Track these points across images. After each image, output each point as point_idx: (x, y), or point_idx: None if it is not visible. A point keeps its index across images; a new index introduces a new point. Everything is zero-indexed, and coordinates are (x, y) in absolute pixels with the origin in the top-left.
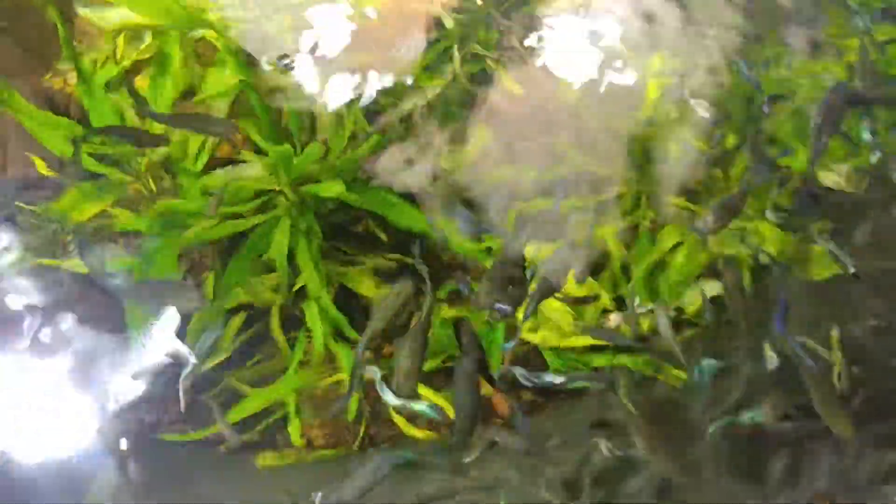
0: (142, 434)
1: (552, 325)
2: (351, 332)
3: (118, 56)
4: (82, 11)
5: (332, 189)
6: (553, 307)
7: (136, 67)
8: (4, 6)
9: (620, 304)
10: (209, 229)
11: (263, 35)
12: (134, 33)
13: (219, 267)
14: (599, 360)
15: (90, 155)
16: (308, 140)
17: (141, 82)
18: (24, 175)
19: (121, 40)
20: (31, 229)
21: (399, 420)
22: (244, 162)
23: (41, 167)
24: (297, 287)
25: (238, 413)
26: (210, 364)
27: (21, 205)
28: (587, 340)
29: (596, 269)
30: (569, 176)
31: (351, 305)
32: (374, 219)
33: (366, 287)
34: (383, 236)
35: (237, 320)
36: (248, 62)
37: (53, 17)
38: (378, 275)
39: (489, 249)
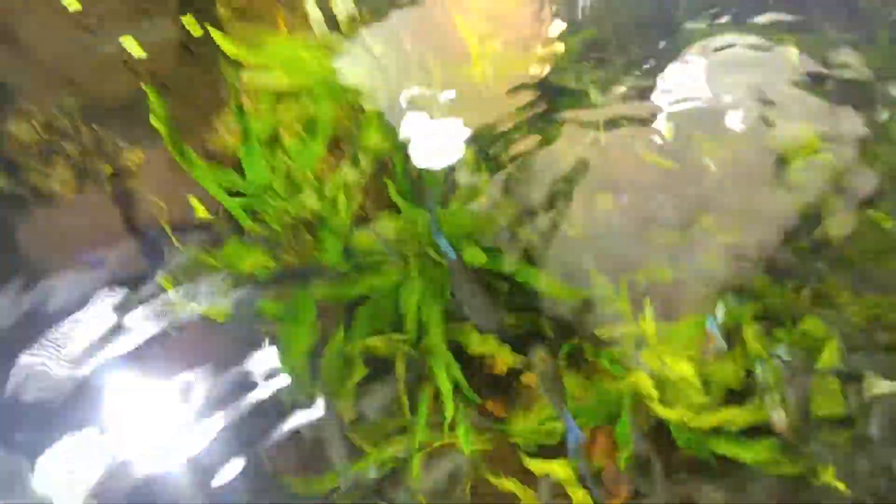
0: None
1: (686, 402)
2: (470, 394)
3: (272, 115)
4: (244, 74)
5: (477, 258)
6: (682, 377)
7: (288, 125)
8: (166, 67)
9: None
10: (347, 286)
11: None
12: (288, 94)
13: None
14: (727, 447)
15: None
16: (444, 200)
17: (290, 140)
18: (182, 218)
19: (273, 100)
20: (184, 271)
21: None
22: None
23: (200, 211)
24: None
25: (356, 467)
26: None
27: (180, 246)
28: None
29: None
30: (699, 245)
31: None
32: (496, 277)
33: (475, 343)
34: (504, 295)
35: (358, 372)
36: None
37: (230, 77)
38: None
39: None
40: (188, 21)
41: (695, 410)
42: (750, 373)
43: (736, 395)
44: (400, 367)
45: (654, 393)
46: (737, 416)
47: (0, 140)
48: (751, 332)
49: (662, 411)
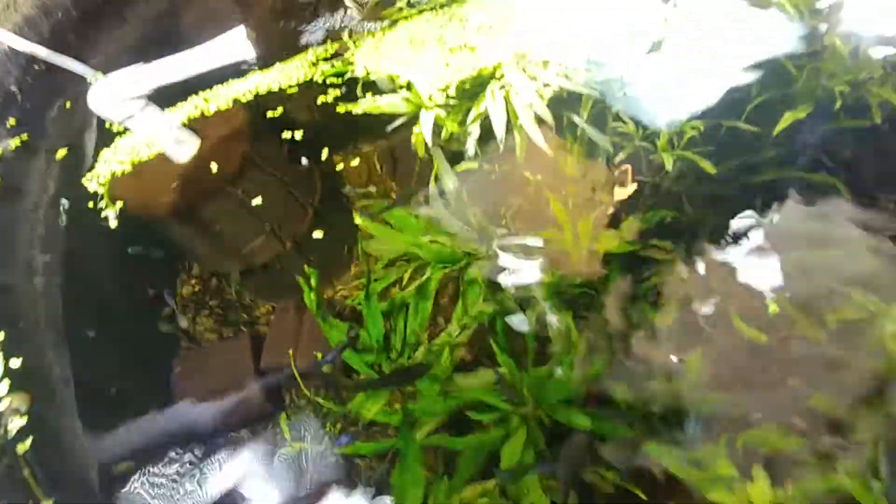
0: None
1: None
2: None
3: (389, 278)
4: (365, 245)
5: (581, 422)
6: None
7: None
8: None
9: None
10: (451, 438)
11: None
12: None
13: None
14: None
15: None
16: (541, 355)
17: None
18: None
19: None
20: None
21: None
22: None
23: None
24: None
25: None
26: None
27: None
28: None
29: None
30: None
31: None
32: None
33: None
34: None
35: None
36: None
37: (361, 244)
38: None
39: None
40: (360, 222)
41: None
42: None
43: None
44: None
45: None
46: None
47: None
48: None
49: None
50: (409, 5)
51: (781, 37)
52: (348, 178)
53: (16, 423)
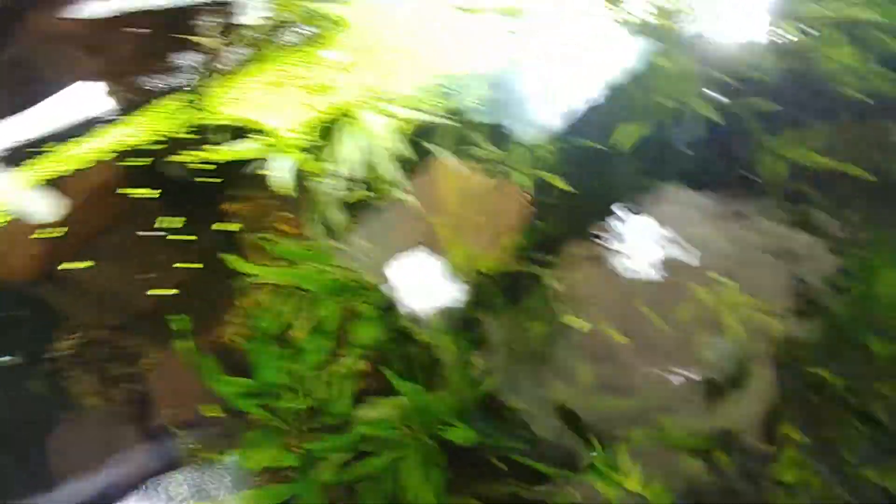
0: None
1: None
2: None
3: (280, 312)
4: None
5: (466, 437)
6: None
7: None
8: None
9: None
10: (348, 469)
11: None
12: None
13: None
14: None
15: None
16: (435, 376)
17: (299, 333)
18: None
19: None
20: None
21: None
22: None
23: (214, 413)
24: None
25: None
26: None
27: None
28: None
29: None
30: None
31: None
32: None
33: None
34: (503, 466)
35: None
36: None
37: (239, 281)
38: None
39: None
40: (227, 259)
41: None
42: None
43: None
44: None
45: None
46: None
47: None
48: None
49: None
50: (269, 46)
51: (631, 52)
52: (237, 218)
53: None
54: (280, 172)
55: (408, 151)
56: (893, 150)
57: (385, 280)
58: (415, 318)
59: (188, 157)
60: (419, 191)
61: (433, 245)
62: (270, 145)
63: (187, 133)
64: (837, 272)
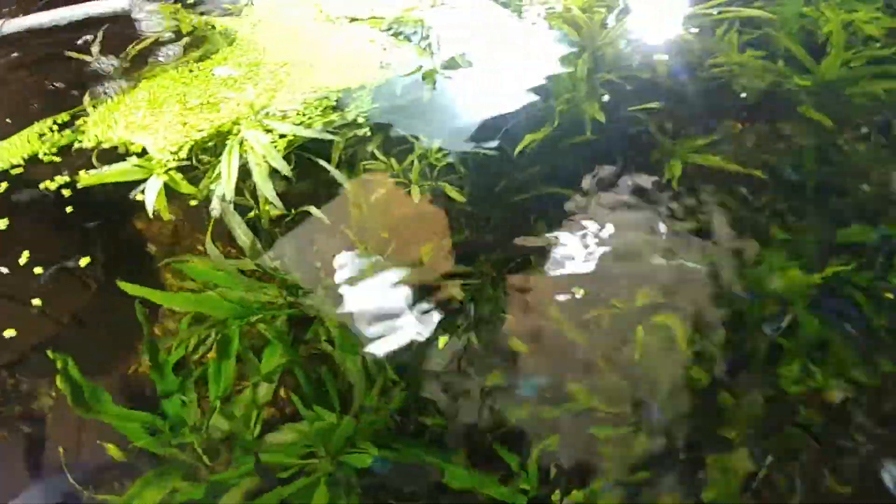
0: None
1: None
2: None
3: (186, 341)
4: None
5: (362, 461)
6: None
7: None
8: (81, 303)
9: None
10: (257, 499)
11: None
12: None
13: None
14: None
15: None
16: (346, 398)
17: (206, 361)
18: (98, 460)
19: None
20: None
21: None
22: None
23: (114, 452)
24: None
25: None
26: None
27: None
28: None
29: None
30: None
31: None
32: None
33: None
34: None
35: None
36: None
37: (140, 315)
38: None
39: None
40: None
41: None
42: None
43: None
44: None
45: None
46: None
47: None
48: None
49: None
50: (159, 63)
51: (531, 58)
52: (148, 239)
53: None
54: (150, 194)
55: (287, 169)
56: (785, 148)
57: (298, 296)
58: (329, 339)
59: (59, 181)
60: (329, 206)
61: (347, 258)
62: (140, 167)
63: (55, 156)
64: (732, 268)
